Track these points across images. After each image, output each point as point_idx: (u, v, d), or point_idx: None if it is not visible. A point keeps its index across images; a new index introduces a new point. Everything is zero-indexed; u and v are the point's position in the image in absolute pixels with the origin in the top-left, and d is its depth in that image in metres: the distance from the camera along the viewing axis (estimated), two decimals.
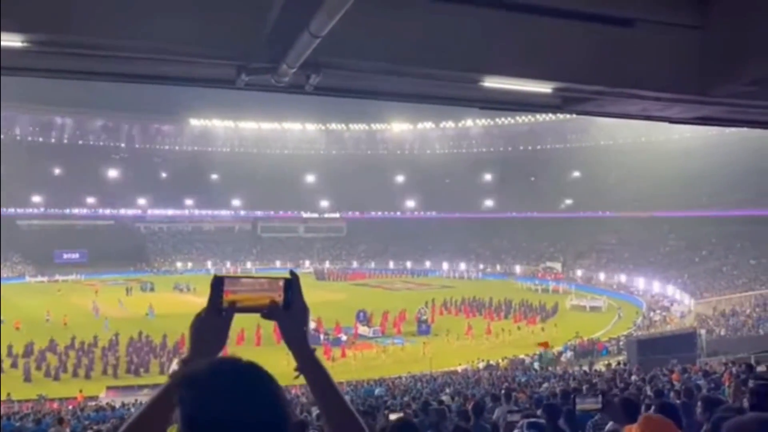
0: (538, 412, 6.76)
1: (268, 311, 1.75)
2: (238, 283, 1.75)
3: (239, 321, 1.81)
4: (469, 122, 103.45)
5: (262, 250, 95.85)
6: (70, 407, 24.43)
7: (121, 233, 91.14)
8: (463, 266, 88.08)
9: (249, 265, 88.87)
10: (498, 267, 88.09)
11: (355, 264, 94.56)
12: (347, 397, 1.78)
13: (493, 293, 57.61)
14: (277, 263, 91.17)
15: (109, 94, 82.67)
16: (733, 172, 71.30)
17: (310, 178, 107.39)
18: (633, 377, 17.55)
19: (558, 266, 79.39)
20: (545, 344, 33.68)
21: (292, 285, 1.78)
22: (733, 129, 49.61)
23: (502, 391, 11.71)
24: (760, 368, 14.44)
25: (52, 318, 45.68)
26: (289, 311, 1.76)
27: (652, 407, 5.70)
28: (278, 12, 4.54)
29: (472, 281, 79.08)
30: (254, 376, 1.37)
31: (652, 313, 49.70)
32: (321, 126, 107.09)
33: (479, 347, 39.22)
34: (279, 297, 1.76)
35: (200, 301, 2.54)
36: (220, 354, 1.67)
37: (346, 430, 1.71)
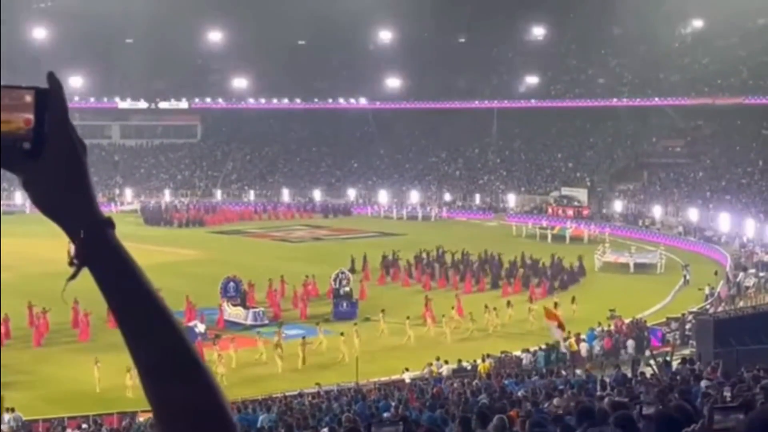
0: None
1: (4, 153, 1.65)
2: None
3: None
4: None
5: None
6: None
7: None
8: (415, 196, 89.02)
9: (18, 198, 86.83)
10: (477, 198, 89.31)
11: (219, 195, 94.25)
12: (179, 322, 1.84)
13: (468, 244, 58.64)
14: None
15: None
16: None
17: (128, 40, 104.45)
18: (703, 383, 18.37)
19: (582, 195, 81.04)
20: (552, 316, 34.91)
21: (48, 103, 1.68)
22: None
23: (476, 411, 12.13)
24: None
25: None
26: (43, 154, 1.67)
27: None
28: None
29: (432, 224, 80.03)
30: None
31: (741, 275, 51.54)
32: None
33: (444, 339, 40.16)
34: (25, 125, 1.66)
35: None
36: None
37: (175, 370, 1.71)
